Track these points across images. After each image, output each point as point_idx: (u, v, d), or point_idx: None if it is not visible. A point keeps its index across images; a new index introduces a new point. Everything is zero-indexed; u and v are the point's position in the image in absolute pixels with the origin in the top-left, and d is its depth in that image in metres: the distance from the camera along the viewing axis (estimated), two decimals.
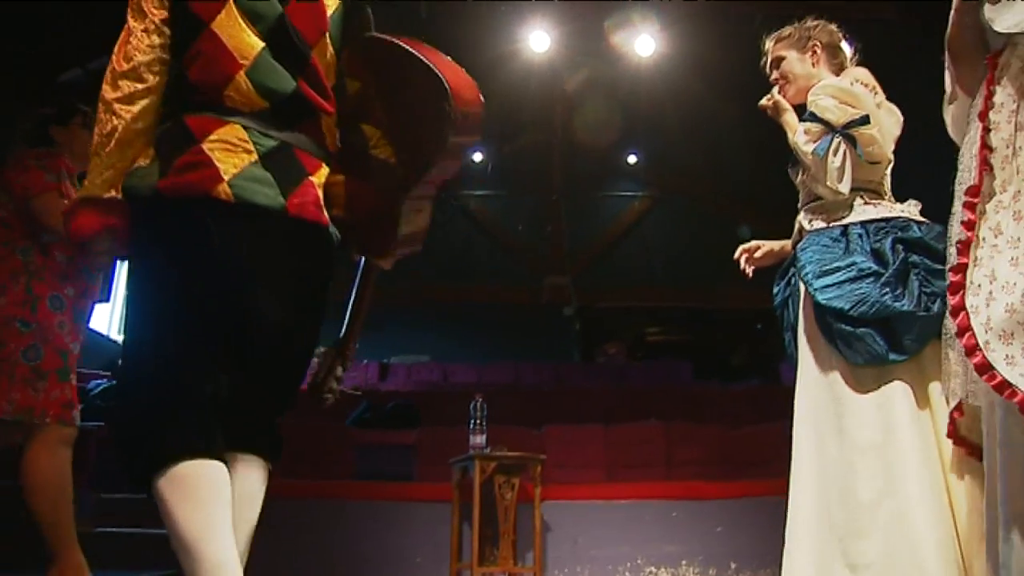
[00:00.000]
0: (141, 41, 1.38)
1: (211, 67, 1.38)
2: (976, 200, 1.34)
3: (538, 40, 6.67)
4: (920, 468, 1.77)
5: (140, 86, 1.37)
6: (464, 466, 4.21)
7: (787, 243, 2.28)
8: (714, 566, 4.43)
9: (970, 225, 1.34)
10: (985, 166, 1.33)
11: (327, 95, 1.48)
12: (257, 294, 1.43)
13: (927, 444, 1.79)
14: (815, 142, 1.93)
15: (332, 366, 1.61)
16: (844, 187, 1.91)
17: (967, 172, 1.39)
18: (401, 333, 9.74)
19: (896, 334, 1.84)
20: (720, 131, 8.12)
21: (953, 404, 1.53)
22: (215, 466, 1.35)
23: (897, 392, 1.84)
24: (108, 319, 8.09)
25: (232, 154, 1.36)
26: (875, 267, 1.88)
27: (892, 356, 1.84)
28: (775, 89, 2.21)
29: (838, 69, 2.13)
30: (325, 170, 1.49)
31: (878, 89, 2.01)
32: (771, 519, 4.70)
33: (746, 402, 7.02)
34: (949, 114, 1.71)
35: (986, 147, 1.33)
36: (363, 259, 1.63)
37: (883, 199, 2.03)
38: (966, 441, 1.49)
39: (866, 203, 1.99)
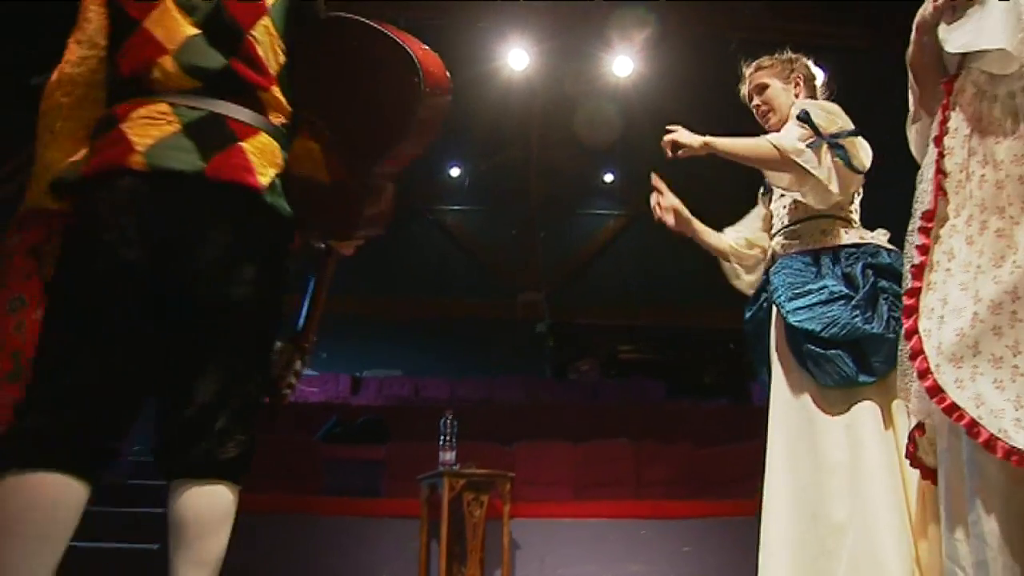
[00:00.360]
0: (72, 53, 1.45)
1: (137, 56, 1.40)
2: (931, 224, 1.35)
3: (517, 58, 6.71)
4: (886, 490, 1.79)
5: (65, 99, 1.43)
6: (433, 483, 4.18)
7: (711, 233, 2.44)
8: None
9: (924, 249, 1.36)
10: (940, 191, 1.34)
11: (264, 72, 1.44)
12: (181, 266, 1.35)
13: (892, 464, 1.82)
14: (805, 143, 1.95)
15: (290, 360, 1.57)
16: (834, 187, 1.93)
17: (924, 196, 1.40)
18: (374, 346, 9.69)
19: (865, 356, 1.88)
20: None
21: (914, 424, 1.54)
22: (43, 481, 1.23)
23: (865, 413, 1.87)
24: None
25: (153, 126, 1.36)
26: (846, 291, 1.92)
27: (862, 378, 1.87)
28: (756, 112, 2.28)
29: (812, 96, 2.21)
30: (264, 138, 1.42)
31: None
32: (739, 539, 4.73)
33: (716, 421, 7.06)
34: (912, 133, 1.75)
35: (941, 172, 1.35)
36: (322, 247, 1.61)
37: (853, 227, 2.07)
38: (922, 463, 1.50)
39: (837, 230, 2.04)
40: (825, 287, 1.93)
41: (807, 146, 1.92)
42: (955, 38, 1.34)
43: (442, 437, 4.20)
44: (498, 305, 9.84)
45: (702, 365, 11.69)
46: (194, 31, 1.41)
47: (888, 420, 1.86)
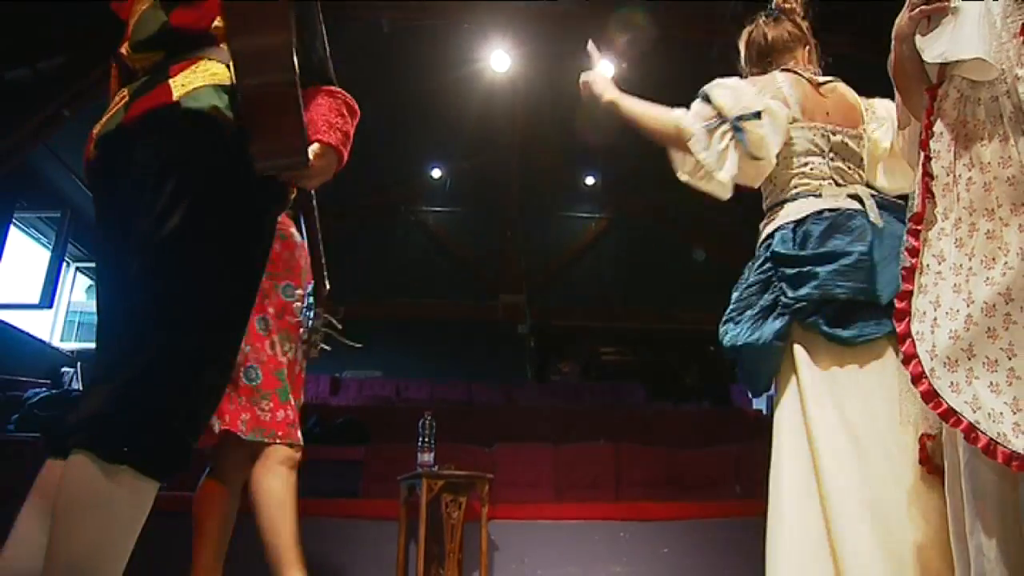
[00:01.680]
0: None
1: (118, 54, 1.39)
2: (920, 227, 1.35)
3: (499, 60, 6.72)
4: (793, 497, 1.76)
5: None
6: (412, 484, 4.17)
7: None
8: None
9: (914, 252, 1.34)
10: (927, 194, 1.34)
11: (202, 8, 1.33)
12: (120, 214, 1.27)
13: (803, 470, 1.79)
14: (704, 123, 1.86)
15: (317, 316, 1.52)
16: (723, 174, 1.83)
17: (913, 199, 1.40)
18: (353, 347, 9.64)
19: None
20: None
21: (921, 431, 1.51)
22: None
23: (782, 421, 1.86)
24: (50, 326, 7.88)
25: (108, 113, 1.34)
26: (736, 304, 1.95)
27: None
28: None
29: (784, 52, 2.10)
30: (203, 63, 1.29)
31: (780, 90, 1.95)
32: (716, 540, 4.77)
33: (696, 424, 7.09)
34: (902, 139, 1.75)
35: (928, 175, 1.35)
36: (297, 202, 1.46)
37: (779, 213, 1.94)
38: (939, 468, 1.42)
39: (766, 223, 1.96)
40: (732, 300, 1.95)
41: (706, 128, 1.84)
42: (931, 48, 1.34)
43: (421, 438, 4.18)
44: (480, 307, 9.84)
45: (683, 368, 11.75)
46: (146, 4, 1.36)
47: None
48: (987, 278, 1.21)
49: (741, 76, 2.15)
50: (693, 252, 9.93)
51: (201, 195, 1.22)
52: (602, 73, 2.03)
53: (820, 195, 1.87)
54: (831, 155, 1.92)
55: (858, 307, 1.71)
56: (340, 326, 1.57)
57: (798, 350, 1.76)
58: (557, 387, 9.44)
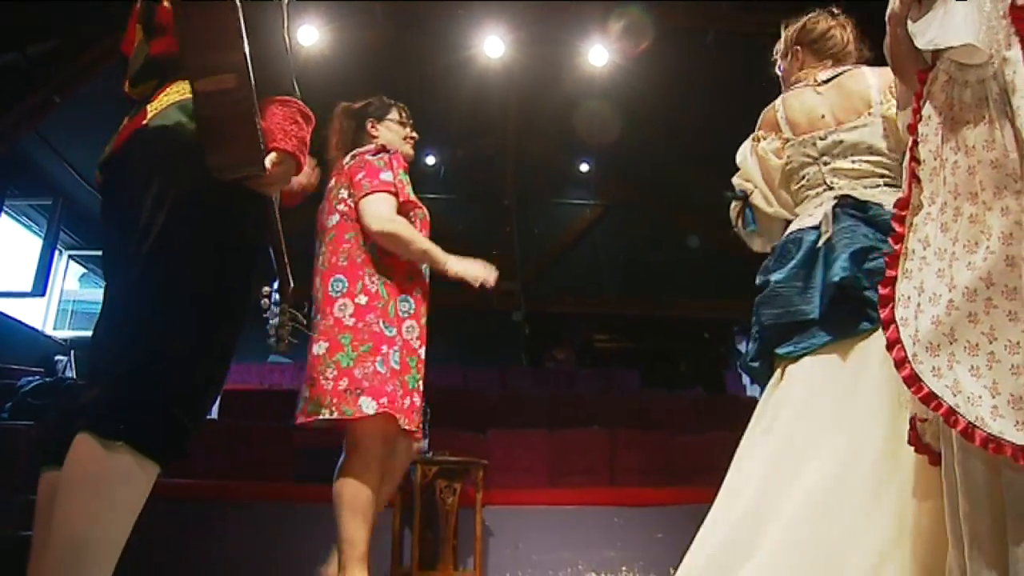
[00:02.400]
0: None
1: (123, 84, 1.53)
2: (904, 213, 1.34)
3: (492, 46, 6.68)
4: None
5: None
6: (406, 470, 4.18)
7: None
8: (654, 572, 4.46)
9: (898, 238, 1.34)
10: (913, 178, 1.33)
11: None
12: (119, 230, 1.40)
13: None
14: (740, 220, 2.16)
15: (282, 312, 1.56)
16: (760, 247, 2.13)
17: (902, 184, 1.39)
18: None
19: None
20: (671, 142, 8.23)
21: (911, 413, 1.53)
22: None
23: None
24: (43, 314, 7.84)
25: (110, 144, 1.48)
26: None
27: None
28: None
29: (830, 58, 2.16)
30: (178, 85, 1.39)
31: (774, 118, 2.12)
32: None
33: (690, 410, 7.11)
34: (901, 120, 1.75)
35: (914, 159, 1.33)
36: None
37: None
38: (929, 448, 1.42)
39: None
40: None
41: (744, 215, 2.13)
42: (923, 34, 1.32)
43: None
44: (474, 294, 9.82)
45: (677, 354, 11.78)
46: (140, 38, 1.48)
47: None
48: (969, 263, 1.19)
49: (777, 65, 2.31)
50: (688, 239, 9.92)
51: (177, 204, 1.32)
52: None
53: (808, 211, 2.01)
54: (824, 159, 1.99)
55: (794, 326, 1.85)
56: (305, 320, 1.61)
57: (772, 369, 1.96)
58: (551, 373, 9.45)
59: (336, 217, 2.57)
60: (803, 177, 2.01)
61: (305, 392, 2.46)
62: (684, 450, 5.35)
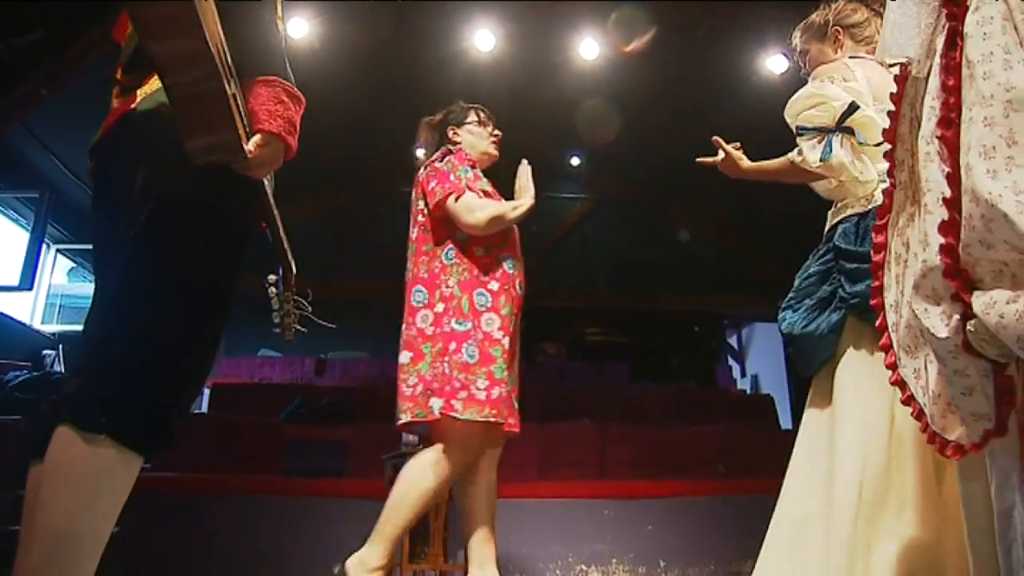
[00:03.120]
0: None
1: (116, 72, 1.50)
2: (884, 221, 1.32)
3: (483, 39, 6.66)
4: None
5: None
6: (397, 463, 4.17)
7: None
8: (644, 564, 4.49)
9: (879, 247, 1.32)
10: (893, 180, 1.30)
11: None
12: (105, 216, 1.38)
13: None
14: (818, 150, 1.88)
15: (286, 300, 1.55)
16: (867, 175, 1.87)
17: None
18: (339, 328, 9.58)
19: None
20: (662, 136, 8.24)
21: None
22: None
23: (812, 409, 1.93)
24: (31, 309, 7.80)
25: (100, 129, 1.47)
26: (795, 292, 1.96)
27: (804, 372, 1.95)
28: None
29: (864, 45, 2.07)
30: None
31: (854, 75, 1.94)
32: (699, 518, 4.82)
33: (680, 404, 7.14)
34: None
35: (893, 162, 1.31)
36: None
37: (849, 199, 1.95)
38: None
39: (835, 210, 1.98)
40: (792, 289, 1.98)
41: (820, 156, 1.87)
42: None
43: None
44: None
45: (668, 348, 11.81)
46: (132, 26, 1.46)
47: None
48: (916, 271, 1.16)
49: (793, 55, 2.20)
50: (679, 233, 9.94)
51: (165, 189, 1.29)
52: (736, 154, 2.10)
53: (885, 180, 1.86)
54: None
55: None
56: (310, 308, 1.59)
57: (847, 341, 1.81)
58: (542, 367, 9.47)
59: (416, 230, 2.66)
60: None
61: (397, 398, 2.51)
62: (674, 443, 5.37)
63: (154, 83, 1.36)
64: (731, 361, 11.94)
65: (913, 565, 1.55)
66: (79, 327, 1.44)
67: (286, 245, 1.56)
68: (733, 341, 12.12)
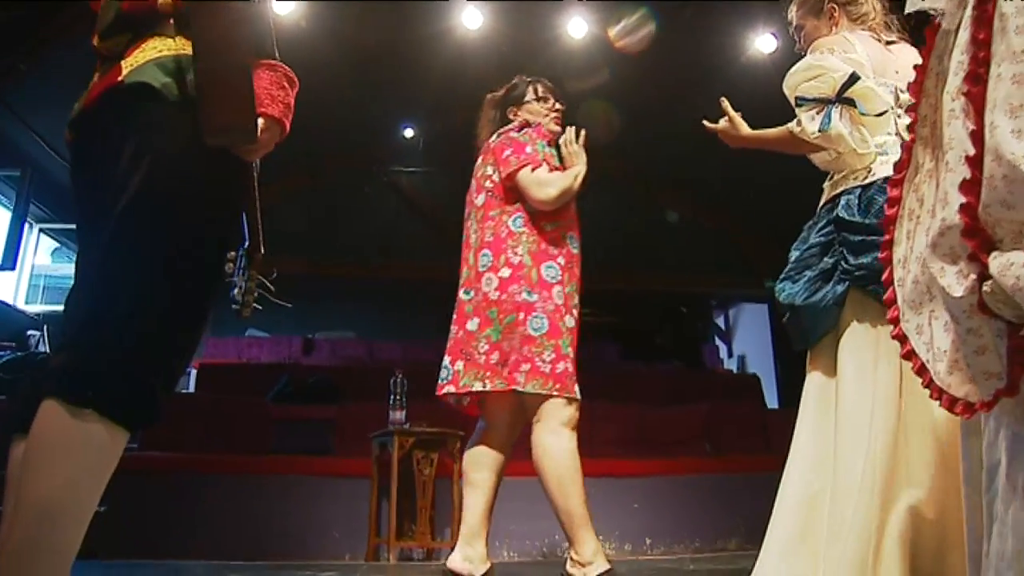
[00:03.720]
0: None
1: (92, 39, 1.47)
2: (901, 175, 1.29)
3: (471, 17, 6.60)
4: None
5: None
6: (383, 441, 4.19)
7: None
8: (629, 542, 4.53)
9: (893, 201, 1.29)
10: (913, 136, 1.27)
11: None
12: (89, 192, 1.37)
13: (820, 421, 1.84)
14: (817, 120, 1.86)
15: (250, 278, 1.54)
16: (865, 147, 1.85)
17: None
18: (327, 308, 9.60)
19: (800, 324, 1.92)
20: (649, 116, 8.22)
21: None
22: None
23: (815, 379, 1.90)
24: (14, 289, 7.73)
25: (79, 100, 1.43)
26: (793, 263, 1.93)
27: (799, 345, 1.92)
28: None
29: (860, 23, 2.06)
30: (153, 41, 1.36)
31: (854, 48, 1.93)
32: (687, 497, 4.86)
33: (668, 383, 7.18)
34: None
35: (916, 116, 1.27)
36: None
37: (854, 171, 1.92)
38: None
39: (837, 180, 1.94)
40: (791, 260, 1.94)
41: (819, 126, 1.85)
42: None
43: (392, 396, 4.20)
44: (452, 267, 9.80)
45: (655, 329, 11.86)
46: None
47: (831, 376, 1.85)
48: (928, 227, 1.15)
49: (793, 30, 2.17)
50: (667, 214, 9.94)
51: (154, 164, 1.27)
52: (737, 120, 2.07)
53: (887, 153, 1.86)
54: (898, 110, 1.90)
55: None
56: (272, 287, 1.58)
57: (850, 314, 1.79)
58: None
59: (483, 196, 2.65)
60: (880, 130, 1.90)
61: (457, 365, 2.52)
62: (661, 422, 5.41)
63: (140, 55, 1.34)
64: (718, 341, 12.01)
65: (922, 539, 1.56)
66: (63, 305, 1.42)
67: (260, 226, 1.56)
68: (720, 321, 12.18)
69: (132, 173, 1.27)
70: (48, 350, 5.97)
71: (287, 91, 1.41)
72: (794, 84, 1.92)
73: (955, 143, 1.03)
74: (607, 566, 2.36)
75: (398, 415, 4.16)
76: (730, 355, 11.60)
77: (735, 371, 10.32)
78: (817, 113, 1.87)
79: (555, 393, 2.40)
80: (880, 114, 1.85)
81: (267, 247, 1.65)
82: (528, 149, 2.59)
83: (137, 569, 3.51)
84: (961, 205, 0.97)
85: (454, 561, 2.50)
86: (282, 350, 8.83)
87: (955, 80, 1.05)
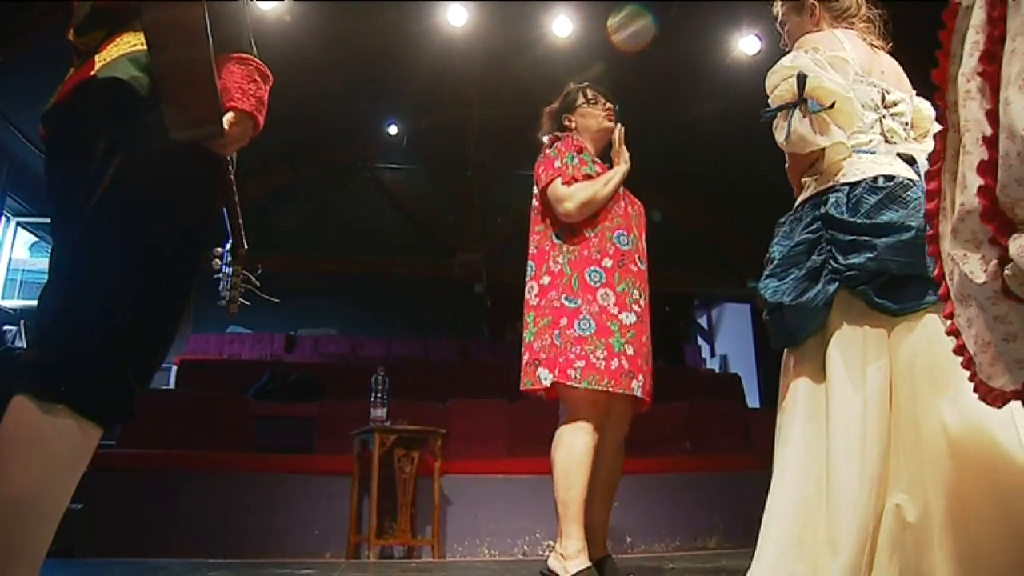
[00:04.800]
0: None
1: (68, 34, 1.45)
2: (937, 166, 1.23)
3: (456, 14, 6.60)
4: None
5: None
6: (364, 438, 4.18)
7: None
8: (610, 540, 4.52)
9: (933, 194, 1.24)
10: (945, 123, 1.21)
11: None
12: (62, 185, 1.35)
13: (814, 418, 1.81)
14: (783, 129, 1.86)
15: (235, 274, 1.53)
16: (827, 140, 1.83)
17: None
18: (309, 305, 9.55)
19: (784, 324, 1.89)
20: (635, 114, 8.24)
21: None
22: None
23: (802, 380, 1.86)
24: None
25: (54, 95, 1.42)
26: (777, 259, 1.90)
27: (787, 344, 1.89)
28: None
29: (843, 20, 2.05)
30: (127, 36, 1.35)
31: (841, 45, 1.92)
32: (668, 495, 4.88)
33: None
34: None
35: (945, 104, 1.21)
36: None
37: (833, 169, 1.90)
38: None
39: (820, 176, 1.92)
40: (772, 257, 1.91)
41: (785, 136, 1.85)
42: None
43: (374, 393, 4.19)
44: (436, 265, 9.78)
45: None
46: None
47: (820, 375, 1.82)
48: (954, 216, 1.09)
49: (778, 22, 2.16)
50: (650, 212, 9.97)
51: (127, 159, 1.26)
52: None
53: (874, 152, 1.85)
54: (884, 111, 1.90)
55: (907, 279, 1.70)
56: (258, 283, 1.58)
57: (838, 314, 1.77)
58: (512, 345, 9.48)
59: (532, 212, 2.80)
60: (861, 118, 1.89)
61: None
62: (642, 421, 5.40)
63: (114, 48, 1.34)
64: (701, 341, 12.07)
65: (904, 541, 1.55)
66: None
67: (240, 221, 1.55)
68: (703, 321, 12.24)
69: (105, 168, 1.26)
70: (26, 346, 5.90)
71: (259, 85, 1.40)
72: (769, 90, 1.91)
73: (972, 124, 0.99)
74: (587, 564, 2.38)
75: (380, 412, 4.15)
76: (712, 355, 11.66)
77: (717, 371, 10.38)
78: (783, 120, 1.86)
79: (611, 388, 2.46)
80: (831, 106, 1.82)
81: (249, 243, 1.64)
82: (557, 163, 2.68)
83: (115, 567, 3.47)
84: (979, 187, 0.94)
85: None
86: (264, 347, 8.78)
87: (970, 60, 1.02)
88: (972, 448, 1.54)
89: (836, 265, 1.76)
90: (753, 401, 8.39)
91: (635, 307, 2.58)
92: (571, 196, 2.61)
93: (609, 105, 2.93)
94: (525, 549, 4.41)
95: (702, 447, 5.33)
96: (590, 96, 2.93)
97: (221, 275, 1.53)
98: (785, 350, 1.93)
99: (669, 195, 9.62)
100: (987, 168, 0.93)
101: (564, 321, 2.50)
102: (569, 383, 2.43)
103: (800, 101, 1.83)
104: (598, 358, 2.45)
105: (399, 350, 8.75)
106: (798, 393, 1.85)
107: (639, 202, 2.86)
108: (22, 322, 6.43)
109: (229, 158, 1.46)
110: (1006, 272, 0.92)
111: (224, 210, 1.53)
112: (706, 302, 11.99)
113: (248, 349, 8.79)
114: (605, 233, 2.64)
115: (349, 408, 4.73)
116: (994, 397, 1.05)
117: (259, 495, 4.25)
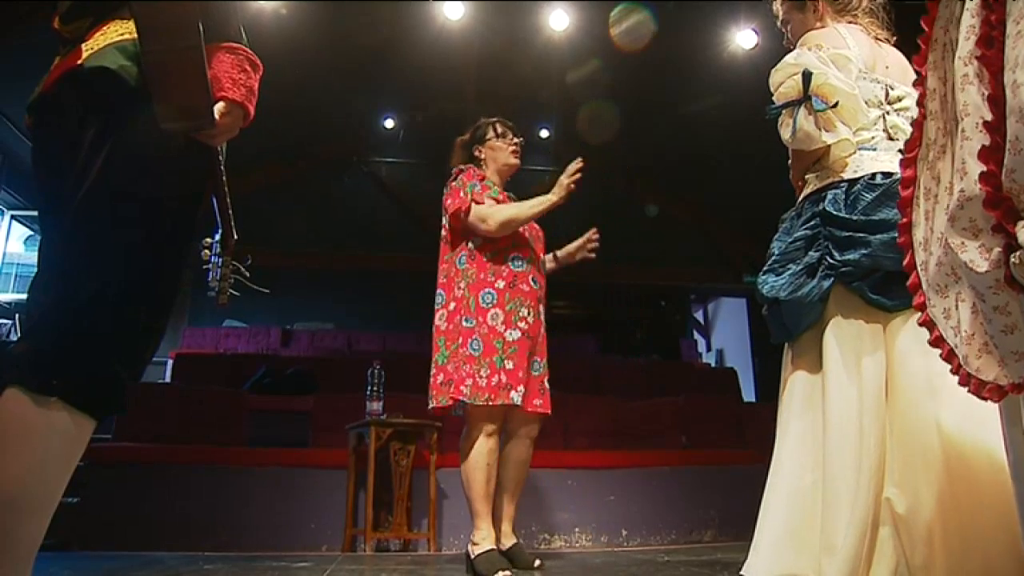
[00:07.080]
0: None
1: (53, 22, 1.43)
2: (913, 154, 1.23)
3: (452, 8, 6.58)
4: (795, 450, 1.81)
5: None
6: (360, 432, 4.17)
7: None
8: (606, 533, 4.55)
9: (907, 182, 1.23)
10: (923, 112, 1.21)
11: None
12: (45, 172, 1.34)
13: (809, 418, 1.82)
14: (789, 127, 1.86)
15: (225, 265, 1.53)
16: (833, 137, 1.83)
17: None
18: (305, 299, 9.55)
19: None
20: (630, 109, 8.23)
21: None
22: None
23: (799, 374, 1.88)
24: None
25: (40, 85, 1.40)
26: (776, 255, 1.90)
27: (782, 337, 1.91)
28: None
29: (846, 15, 2.04)
30: (115, 24, 1.33)
31: (845, 42, 1.92)
32: (663, 488, 4.88)
33: (645, 376, 7.21)
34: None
35: (924, 90, 1.21)
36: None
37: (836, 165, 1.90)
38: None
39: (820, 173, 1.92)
40: (772, 253, 1.92)
41: (790, 133, 1.85)
42: None
43: (369, 387, 4.18)
44: (433, 259, 9.77)
45: (634, 322, 11.92)
46: None
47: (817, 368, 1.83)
48: (947, 205, 1.09)
49: (779, 20, 2.16)
50: (646, 208, 9.98)
51: (115, 150, 1.25)
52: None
53: (875, 149, 1.85)
54: (887, 107, 1.90)
55: (902, 276, 1.70)
56: (248, 273, 1.57)
57: (833, 309, 1.78)
58: None
59: (441, 241, 2.99)
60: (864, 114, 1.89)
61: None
62: (638, 415, 5.42)
63: (101, 37, 1.32)
64: (697, 335, 12.09)
65: (907, 530, 1.56)
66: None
67: (230, 212, 1.54)
68: (699, 315, 12.26)
69: (93, 159, 1.25)
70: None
71: (249, 74, 1.38)
72: (774, 88, 1.91)
73: (971, 109, 0.98)
74: (490, 547, 2.70)
75: (375, 406, 4.15)
76: (708, 349, 11.68)
77: (713, 365, 10.39)
78: (788, 117, 1.86)
79: (489, 403, 2.69)
80: (834, 105, 1.82)
81: (245, 237, 1.63)
82: (461, 193, 2.87)
83: (110, 560, 3.47)
84: (981, 174, 0.93)
85: None
86: (260, 341, 8.77)
87: (967, 45, 1.01)
88: (964, 442, 1.54)
89: (832, 261, 1.77)
90: (749, 395, 8.41)
91: (521, 324, 2.79)
92: (492, 215, 2.82)
93: (516, 140, 3.14)
94: (521, 542, 4.41)
95: (698, 441, 5.34)
96: (499, 131, 3.13)
97: (211, 265, 1.52)
98: (785, 345, 1.95)
99: (665, 189, 9.62)
100: (989, 154, 0.92)
101: (461, 340, 2.75)
102: (461, 399, 2.69)
103: (805, 98, 1.83)
104: (482, 376, 2.69)
105: (395, 344, 8.75)
106: (795, 386, 1.87)
107: (537, 226, 3.09)
108: (17, 316, 6.42)
109: (219, 148, 1.45)
110: (1012, 260, 0.91)
111: (214, 200, 1.52)
112: (702, 297, 12.00)
113: (244, 343, 8.78)
114: (502, 255, 2.85)
115: (345, 402, 4.72)
116: (989, 391, 1.04)
117: (255, 489, 4.25)
